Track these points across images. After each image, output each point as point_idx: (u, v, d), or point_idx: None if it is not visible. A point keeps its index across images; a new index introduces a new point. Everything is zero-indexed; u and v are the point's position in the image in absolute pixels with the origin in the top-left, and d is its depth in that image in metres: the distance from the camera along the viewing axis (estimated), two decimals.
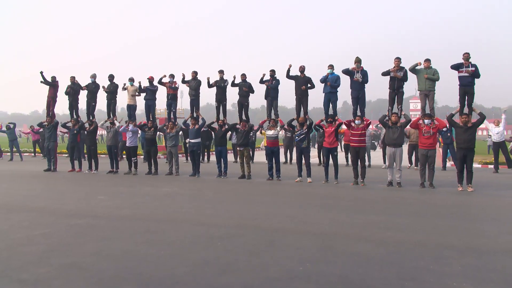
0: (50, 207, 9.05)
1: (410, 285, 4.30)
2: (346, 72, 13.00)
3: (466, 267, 4.91)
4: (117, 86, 16.90)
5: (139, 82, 16.65)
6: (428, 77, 12.42)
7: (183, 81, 16.10)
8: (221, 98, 15.40)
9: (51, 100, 17.49)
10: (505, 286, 4.33)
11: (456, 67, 12.20)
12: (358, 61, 12.95)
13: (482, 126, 11.87)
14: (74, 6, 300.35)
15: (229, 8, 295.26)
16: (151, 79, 16.57)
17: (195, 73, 15.90)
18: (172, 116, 16.70)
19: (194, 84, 15.73)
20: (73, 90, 16.96)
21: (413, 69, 12.67)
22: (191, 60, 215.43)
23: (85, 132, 16.64)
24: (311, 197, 10.49)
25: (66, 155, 21.67)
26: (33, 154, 26.46)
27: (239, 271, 4.71)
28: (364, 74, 12.95)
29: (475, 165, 19.63)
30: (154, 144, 15.93)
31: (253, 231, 6.67)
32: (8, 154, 24.39)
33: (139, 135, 16.50)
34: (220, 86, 15.22)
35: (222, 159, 14.40)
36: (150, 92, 16.54)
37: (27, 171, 17.22)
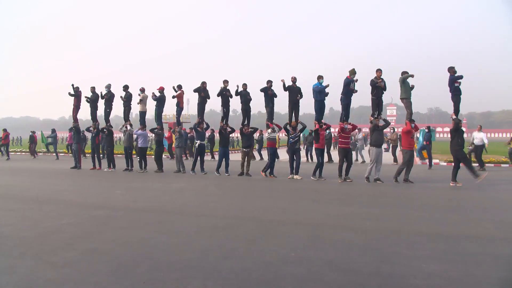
0: (75, 200, 9.14)
1: (386, 267, 4.36)
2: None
3: (434, 250, 4.99)
4: (131, 95, 16.90)
5: (153, 93, 16.57)
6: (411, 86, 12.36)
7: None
8: (226, 105, 15.04)
9: (75, 108, 17.67)
10: (466, 265, 4.42)
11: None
12: (354, 72, 12.88)
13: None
14: (95, 27, 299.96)
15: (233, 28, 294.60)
16: (161, 89, 16.53)
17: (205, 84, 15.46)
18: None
19: (207, 93, 15.35)
20: (93, 98, 16.99)
21: (405, 80, 12.27)
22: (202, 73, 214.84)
23: (104, 135, 16.85)
24: (302, 192, 10.53)
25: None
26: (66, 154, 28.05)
27: (239, 257, 4.76)
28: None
29: (441, 163, 19.89)
30: (161, 145, 16.05)
31: (251, 222, 6.72)
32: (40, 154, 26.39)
33: (150, 137, 16.53)
34: (226, 95, 14.86)
35: (225, 158, 14.42)
36: (160, 100, 16.47)
37: (57, 168, 17.34)
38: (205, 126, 15.07)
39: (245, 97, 14.59)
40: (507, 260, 4.64)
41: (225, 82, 14.95)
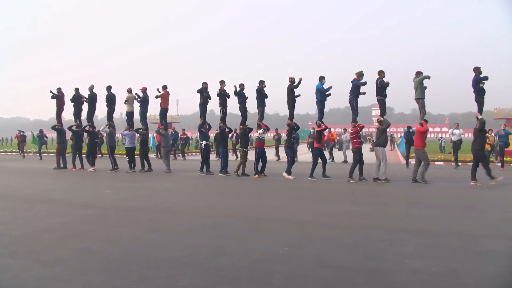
0: (66, 199, 9.09)
1: (372, 263, 4.41)
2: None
3: (417, 247, 5.07)
4: (113, 95, 16.84)
5: (136, 93, 16.53)
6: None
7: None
8: (224, 105, 14.80)
9: (59, 109, 17.59)
10: (448, 260, 4.49)
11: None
12: (362, 74, 12.84)
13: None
14: (87, 28, 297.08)
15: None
16: (143, 90, 16.41)
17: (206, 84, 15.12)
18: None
19: (208, 95, 15.04)
20: (77, 98, 16.95)
21: (422, 81, 12.13)
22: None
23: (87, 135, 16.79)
24: (292, 191, 10.57)
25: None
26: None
27: (228, 254, 4.77)
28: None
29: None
30: (146, 145, 15.98)
31: (241, 220, 6.74)
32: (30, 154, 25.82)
33: (137, 137, 16.43)
34: (224, 95, 14.63)
35: (224, 158, 14.38)
36: (143, 100, 16.36)
37: (48, 168, 17.11)
38: (207, 126, 14.95)
39: (243, 97, 14.46)
40: (487, 256, 4.71)
41: (222, 82, 14.72)
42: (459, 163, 17.63)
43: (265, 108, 14.43)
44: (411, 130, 18.64)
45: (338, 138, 26.40)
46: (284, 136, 14.76)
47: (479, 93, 11.83)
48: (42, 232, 5.92)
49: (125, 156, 16.65)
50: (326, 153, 20.71)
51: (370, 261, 4.51)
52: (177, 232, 5.88)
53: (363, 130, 17.06)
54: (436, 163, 19.66)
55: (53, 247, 5.12)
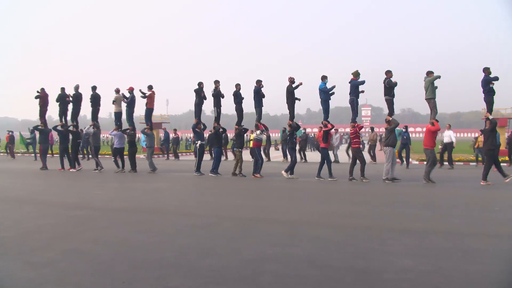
0: (54, 200, 9.04)
1: (361, 263, 4.44)
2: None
3: (405, 246, 5.11)
4: (97, 95, 16.71)
5: (123, 93, 16.42)
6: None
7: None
8: (218, 105, 14.65)
9: (42, 108, 17.43)
10: (435, 259, 4.53)
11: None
12: (358, 74, 12.86)
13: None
14: (75, 29, 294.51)
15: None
16: (130, 90, 16.29)
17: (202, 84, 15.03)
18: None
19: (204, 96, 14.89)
20: (62, 98, 16.79)
21: (433, 81, 12.10)
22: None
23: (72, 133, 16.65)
24: (282, 191, 10.61)
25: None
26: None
27: (218, 255, 4.76)
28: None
29: (414, 162, 20.33)
30: (134, 146, 15.93)
31: (230, 221, 6.74)
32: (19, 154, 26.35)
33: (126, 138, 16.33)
34: (219, 95, 14.53)
35: (217, 158, 14.30)
36: (129, 101, 16.23)
37: (37, 169, 16.87)
38: (202, 127, 14.89)
39: (239, 98, 14.36)
40: (474, 254, 4.77)
41: (217, 82, 14.59)
42: (445, 163, 17.78)
43: (262, 108, 14.30)
44: (403, 131, 18.82)
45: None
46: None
47: (489, 94, 11.86)
48: (31, 233, 5.86)
49: (111, 156, 16.56)
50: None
51: (359, 260, 4.53)
52: (166, 233, 5.86)
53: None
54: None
55: (42, 248, 5.07)
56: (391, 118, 12.54)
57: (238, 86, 14.40)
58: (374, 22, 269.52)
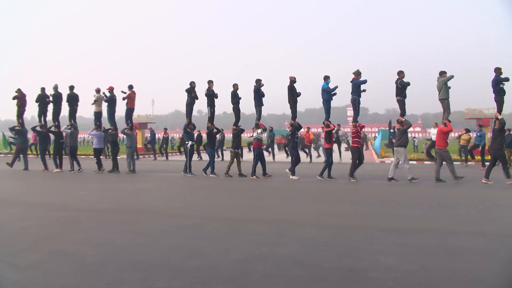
0: (39, 202, 8.93)
1: (347, 261, 4.48)
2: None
3: (392, 245, 5.17)
4: (74, 94, 16.53)
5: (103, 93, 16.30)
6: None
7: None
8: (212, 105, 14.45)
9: (19, 109, 17.22)
10: (421, 258, 4.60)
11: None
12: (359, 73, 12.85)
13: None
14: (60, 28, 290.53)
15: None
16: (110, 89, 16.15)
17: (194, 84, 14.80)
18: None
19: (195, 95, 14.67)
20: (42, 98, 16.58)
21: (447, 81, 12.11)
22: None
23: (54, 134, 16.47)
24: (271, 191, 10.64)
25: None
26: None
27: (205, 255, 4.76)
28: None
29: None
30: (117, 146, 15.85)
31: (218, 221, 6.73)
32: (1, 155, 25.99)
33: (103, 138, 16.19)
34: (212, 95, 14.34)
35: (212, 159, 14.19)
36: (110, 100, 16.12)
37: (20, 170, 16.49)
38: (192, 127, 14.77)
39: (237, 98, 14.22)
40: (458, 252, 4.84)
41: (210, 82, 14.38)
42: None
43: (262, 107, 14.15)
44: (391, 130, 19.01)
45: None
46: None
47: (499, 94, 11.89)
48: (15, 235, 5.80)
49: (92, 156, 16.41)
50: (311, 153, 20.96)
51: (345, 259, 4.58)
52: (152, 234, 5.83)
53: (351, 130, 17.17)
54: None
55: (27, 250, 5.01)
56: (403, 119, 12.49)
57: (235, 86, 14.23)
58: (357, 25, 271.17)
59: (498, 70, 11.87)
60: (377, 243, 5.24)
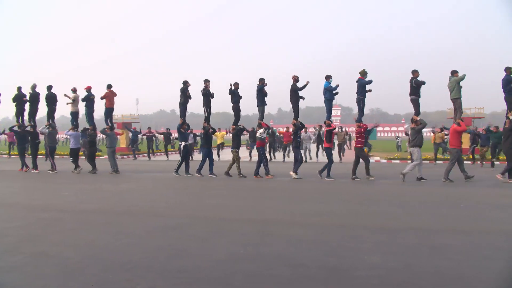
0: (21, 202, 8.85)
1: (333, 260, 4.51)
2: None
3: (377, 243, 5.23)
4: (52, 95, 16.38)
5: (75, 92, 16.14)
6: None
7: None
8: (208, 104, 14.23)
9: None
10: (405, 256, 4.66)
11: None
12: (365, 73, 12.85)
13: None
14: (48, 26, 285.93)
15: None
16: (88, 89, 15.98)
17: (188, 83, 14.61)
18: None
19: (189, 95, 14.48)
20: (19, 98, 16.29)
21: (460, 81, 12.10)
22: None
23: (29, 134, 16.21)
24: (257, 190, 10.63)
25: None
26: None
27: (190, 256, 4.74)
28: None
29: (382, 161, 20.80)
30: (94, 146, 15.73)
31: (202, 221, 6.72)
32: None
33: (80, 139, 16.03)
34: (208, 94, 14.12)
35: (209, 159, 13.97)
36: (87, 100, 15.94)
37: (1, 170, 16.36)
38: (186, 127, 14.63)
39: (237, 97, 14.04)
40: (442, 250, 4.91)
41: (207, 81, 14.18)
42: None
43: (265, 107, 14.01)
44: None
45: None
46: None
47: (510, 93, 11.90)
48: None
49: (68, 156, 16.27)
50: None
51: (330, 257, 4.61)
52: (136, 235, 5.79)
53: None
54: (393, 161, 20.35)
55: (8, 252, 4.94)
56: (418, 118, 12.44)
57: (236, 85, 14.01)
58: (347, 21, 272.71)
59: (508, 70, 11.91)
60: (361, 241, 5.30)
